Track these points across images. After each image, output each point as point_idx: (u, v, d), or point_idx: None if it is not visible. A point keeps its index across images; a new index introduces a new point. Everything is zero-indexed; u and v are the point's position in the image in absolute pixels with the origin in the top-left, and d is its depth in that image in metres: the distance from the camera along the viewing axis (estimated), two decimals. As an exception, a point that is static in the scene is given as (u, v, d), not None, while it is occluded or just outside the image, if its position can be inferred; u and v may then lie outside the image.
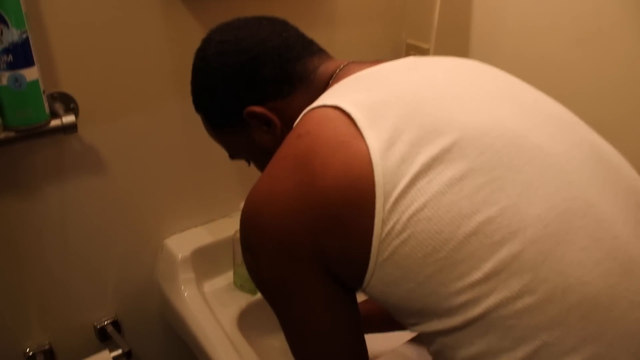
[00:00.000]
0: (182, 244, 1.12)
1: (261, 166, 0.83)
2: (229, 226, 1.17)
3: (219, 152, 1.09)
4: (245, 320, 1.09)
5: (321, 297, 0.64)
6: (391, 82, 0.64)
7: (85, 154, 0.96)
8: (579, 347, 0.52)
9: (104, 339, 1.12)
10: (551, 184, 0.56)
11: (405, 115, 0.58)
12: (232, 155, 0.85)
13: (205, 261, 1.12)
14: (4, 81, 0.79)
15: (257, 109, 0.73)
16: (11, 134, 0.83)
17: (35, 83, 0.82)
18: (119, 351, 1.08)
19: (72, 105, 0.92)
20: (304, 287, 0.62)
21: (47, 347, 1.06)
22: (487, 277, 0.53)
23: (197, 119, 1.00)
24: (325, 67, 0.73)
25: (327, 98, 0.63)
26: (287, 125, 0.72)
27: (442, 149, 0.56)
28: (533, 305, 0.52)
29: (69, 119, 0.87)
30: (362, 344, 0.68)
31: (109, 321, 1.12)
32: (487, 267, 0.53)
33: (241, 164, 1.13)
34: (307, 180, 0.58)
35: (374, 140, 0.57)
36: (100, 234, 1.03)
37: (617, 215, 0.57)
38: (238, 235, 1.03)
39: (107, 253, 1.06)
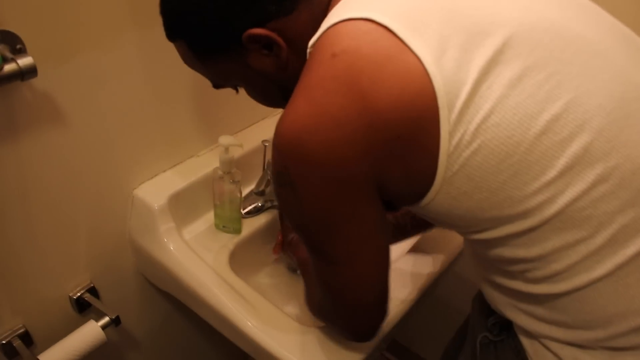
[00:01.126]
0: (154, 192, 1.01)
1: (259, 94, 0.76)
2: (198, 166, 1.09)
3: (181, 89, 0.99)
4: (234, 262, 1.03)
5: (369, 224, 0.62)
6: None
7: (39, 104, 0.82)
8: None
9: (83, 309, 1.01)
10: (602, 71, 0.56)
11: (445, 20, 0.55)
12: (218, 84, 0.77)
13: (181, 207, 1.03)
14: (-55, 20, 0.64)
15: (259, 31, 0.64)
16: (-41, 86, 0.68)
17: (-18, 20, 0.67)
18: (106, 319, 0.98)
19: (18, 47, 0.76)
20: (351, 216, 0.60)
21: (21, 330, 0.93)
22: (561, 174, 0.54)
23: (156, 54, 0.90)
24: None
25: (349, 10, 0.57)
26: (292, 46, 0.66)
27: (494, 51, 0.54)
28: (607, 192, 0.54)
29: (26, 61, 0.72)
30: (389, 265, 0.68)
31: (84, 289, 1.00)
32: (561, 163, 0.54)
33: (206, 99, 1.05)
34: (357, 103, 0.53)
35: (423, 50, 0.53)
36: (65, 194, 0.90)
37: None
38: (218, 174, 0.97)
39: (73, 214, 0.93)
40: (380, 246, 0.65)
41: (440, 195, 0.57)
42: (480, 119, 0.53)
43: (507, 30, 0.55)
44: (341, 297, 0.68)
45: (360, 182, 0.57)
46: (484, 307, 0.78)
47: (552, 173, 0.54)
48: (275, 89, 0.72)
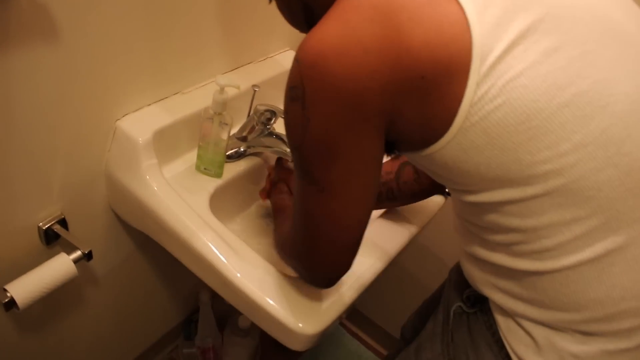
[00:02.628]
0: (139, 125, 0.96)
1: (286, 6, 0.73)
2: (184, 103, 1.04)
3: (175, 23, 0.94)
4: (215, 206, 1.00)
5: (367, 159, 0.61)
6: None
7: (35, 17, 0.74)
8: None
9: (50, 241, 0.95)
10: (634, 62, 0.58)
11: None
12: None
13: (164, 144, 0.99)
14: None
15: None
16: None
17: None
18: (78, 253, 0.93)
19: (21, -52, 0.69)
20: (353, 145, 0.59)
21: (-15, 257, 0.87)
22: (575, 148, 0.55)
23: None
24: None
25: None
26: None
27: (536, 18, 0.55)
28: (614, 177, 0.56)
29: (36, -34, 0.66)
30: (370, 212, 0.68)
31: (55, 220, 0.94)
32: (576, 138, 0.55)
33: (198, 36, 1.00)
34: (391, 35, 0.53)
35: (467, 1, 0.54)
36: (47, 116, 0.84)
37: None
38: (209, 113, 0.93)
39: (53, 138, 0.87)
40: (369, 186, 0.64)
41: (451, 144, 0.57)
42: (509, 77, 0.53)
43: (551, 3, 0.56)
44: (318, 230, 0.67)
45: (371, 114, 0.56)
46: (461, 280, 0.80)
47: (565, 146, 0.55)
48: (299, 6, 0.70)
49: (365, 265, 0.94)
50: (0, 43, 0.72)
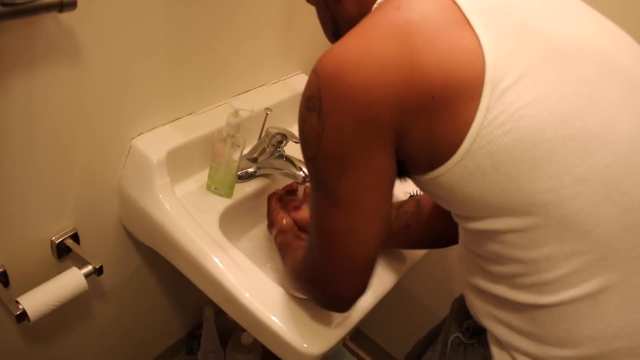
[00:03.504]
0: (153, 144, 0.99)
1: (319, 17, 0.78)
2: (197, 124, 1.07)
3: (193, 47, 0.97)
4: (224, 225, 1.02)
5: (379, 174, 0.63)
6: None
7: (61, 39, 0.77)
8: None
9: (62, 255, 0.98)
10: (638, 104, 0.60)
11: (512, 15, 0.59)
12: None
13: (177, 163, 1.01)
14: (-3, -64, 0.59)
15: None
16: (-2, 9, 0.63)
17: (33, -58, 0.62)
18: (89, 267, 0.95)
19: (52, -25, 0.72)
20: (365, 158, 0.61)
21: (0, 269, 0.89)
22: (576, 181, 0.56)
23: (179, 6, 0.88)
24: None
25: None
26: None
27: (547, 53, 0.57)
28: (612, 214, 0.58)
29: (67, -8, 0.69)
30: (385, 232, 0.68)
31: (67, 235, 0.97)
32: (578, 171, 0.56)
33: (214, 59, 1.03)
34: (406, 53, 0.56)
35: (483, 30, 0.56)
36: (66, 133, 0.86)
37: None
38: (222, 135, 0.96)
39: (71, 155, 0.89)
40: (382, 202, 0.65)
41: (458, 166, 0.59)
42: (519, 106, 0.55)
43: (564, 41, 0.59)
44: (332, 246, 0.67)
45: (383, 128, 0.58)
46: (462, 310, 0.81)
47: (567, 178, 0.56)
48: (329, 18, 0.75)
49: (372, 286, 0.95)
50: (26, 63, 0.75)
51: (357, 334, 1.89)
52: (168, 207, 0.97)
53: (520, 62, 0.56)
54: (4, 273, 0.90)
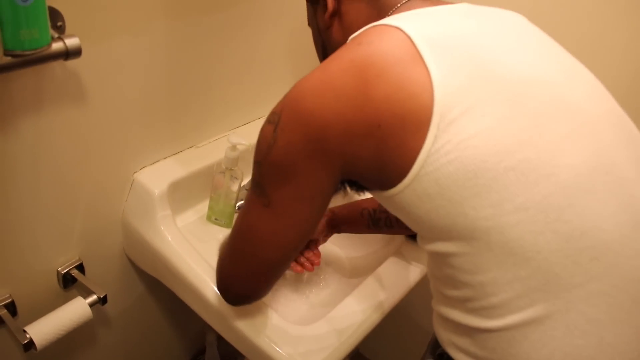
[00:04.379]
0: (155, 178, 1.03)
1: (314, 40, 0.86)
2: (197, 157, 1.11)
3: (192, 82, 1.02)
4: (224, 254, 1.06)
5: (315, 191, 0.67)
6: (450, 23, 0.67)
7: (67, 82, 0.83)
8: (585, 283, 0.61)
9: (67, 285, 1.01)
10: (585, 139, 0.63)
11: (466, 51, 0.63)
12: (309, 23, 0.87)
13: (177, 196, 1.06)
14: (8, -7, 0.64)
15: None
16: (7, 60, 0.68)
17: (42, -3, 0.67)
18: (94, 297, 0.99)
19: (59, 24, 0.77)
20: (307, 174, 0.65)
21: (8, 299, 0.93)
22: (516, 210, 0.59)
23: (177, 45, 0.95)
24: None
25: (391, 20, 0.66)
26: (340, 18, 0.77)
27: (496, 90, 0.61)
28: (553, 242, 0.60)
29: (73, 41, 0.74)
30: (301, 244, 0.74)
31: (73, 265, 1.01)
32: (519, 200, 0.59)
33: (213, 94, 1.07)
34: (359, 85, 0.61)
35: (434, 65, 0.60)
36: (71, 169, 0.91)
37: (634, 177, 0.65)
38: (221, 168, 1.00)
39: (76, 190, 0.94)
40: (310, 218, 0.70)
41: (408, 190, 0.62)
42: (464, 137, 0.59)
43: (512, 76, 0.62)
44: (248, 244, 0.73)
45: (330, 151, 0.63)
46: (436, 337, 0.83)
47: (508, 206, 0.59)
48: (320, 43, 0.84)
49: (369, 311, 0.99)
50: (34, 106, 0.80)
51: (356, 357, 1.91)
52: (170, 238, 1.01)
53: (469, 96, 0.59)
54: (12, 303, 0.94)
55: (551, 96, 0.63)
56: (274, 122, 0.66)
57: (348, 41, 0.68)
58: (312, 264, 1.06)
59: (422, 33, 0.62)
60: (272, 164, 0.66)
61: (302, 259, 1.07)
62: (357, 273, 1.20)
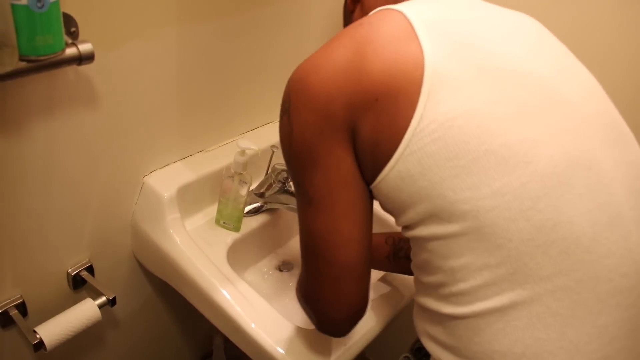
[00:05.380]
0: (164, 181, 1.04)
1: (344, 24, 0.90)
2: (207, 161, 1.12)
3: (202, 87, 1.03)
4: (232, 258, 1.07)
5: (345, 171, 0.67)
6: (452, 10, 0.69)
7: (80, 87, 0.84)
8: (552, 276, 0.61)
9: (77, 286, 1.03)
10: (569, 133, 0.63)
11: (460, 36, 0.65)
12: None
13: (186, 199, 1.07)
14: (24, 0, 0.65)
15: None
16: (22, 65, 0.69)
17: (56, 4, 0.68)
18: (103, 298, 1.00)
19: (72, 29, 0.78)
20: (329, 154, 0.66)
21: (19, 300, 0.94)
22: (493, 194, 0.60)
23: (189, 50, 0.97)
24: None
25: (397, 5, 0.69)
26: (363, 9, 0.81)
27: (485, 73, 0.62)
28: (525, 230, 0.60)
29: (86, 47, 0.75)
30: (371, 241, 0.71)
31: (83, 267, 1.02)
32: (496, 185, 0.60)
33: (223, 98, 1.09)
34: (357, 60, 0.63)
35: (428, 45, 0.62)
36: (83, 172, 0.92)
37: (617, 177, 0.65)
38: (230, 172, 1.01)
39: (87, 193, 0.95)
40: (353, 204, 0.68)
41: (392, 172, 0.63)
42: (450, 117, 0.60)
43: (503, 65, 0.64)
44: (314, 253, 0.70)
45: (340, 125, 0.64)
46: None
47: (485, 190, 0.60)
48: (346, 22, 0.88)
49: (375, 317, 0.99)
50: (47, 109, 0.82)
51: (362, 361, 1.91)
52: (178, 241, 1.02)
53: (457, 78, 0.61)
54: (23, 304, 0.95)
55: (541, 89, 0.64)
56: (285, 111, 0.68)
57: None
58: None
59: (422, 17, 0.65)
60: (296, 154, 0.68)
61: None
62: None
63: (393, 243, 1.03)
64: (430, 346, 0.72)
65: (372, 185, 0.67)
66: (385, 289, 1.07)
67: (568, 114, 0.64)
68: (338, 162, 0.66)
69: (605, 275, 0.62)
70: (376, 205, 0.72)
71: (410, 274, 0.99)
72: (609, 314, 0.62)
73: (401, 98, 0.61)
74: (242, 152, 1.02)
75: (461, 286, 0.63)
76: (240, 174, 1.04)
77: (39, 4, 0.66)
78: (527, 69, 0.65)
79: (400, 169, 0.62)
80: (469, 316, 0.64)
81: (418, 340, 0.81)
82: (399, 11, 0.66)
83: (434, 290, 0.68)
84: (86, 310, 0.97)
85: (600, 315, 0.62)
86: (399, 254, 1.03)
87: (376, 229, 0.79)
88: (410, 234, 0.68)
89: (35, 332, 0.91)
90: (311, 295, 0.75)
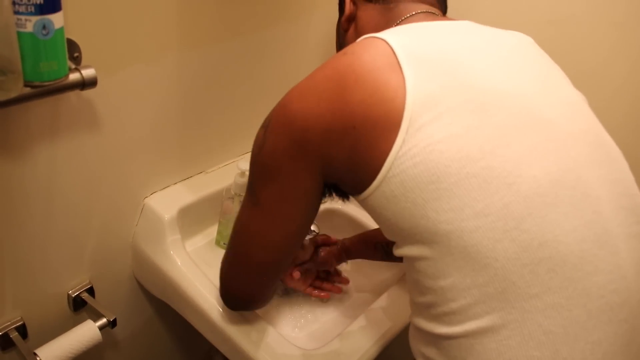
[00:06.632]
0: (165, 203, 1.05)
1: (336, 47, 0.96)
2: (206, 182, 1.13)
3: (202, 110, 1.05)
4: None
5: (299, 191, 0.72)
6: (436, 37, 0.71)
7: (82, 111, 0.85)
8: (542, 293, 0.61)
9: (78, 308, 1.03)
10: (552, 153, 0.65)
11: (442, 64, 0.66)
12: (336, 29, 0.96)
13: (187, 220, 1.07)
14: (29, 27, 0.67)
15: None
16: (27, 91, 0.71)
17: (61, 31, 0.70)
18: (103, 320, 1.00)
19: (76, 55, 0.79)
20: (290, 174, 0.70)
21: (19, 322, 0.95)
22: (476, 215, 0.61)
23: (189, 75, 0.98)
24: (405, 6, 0.81)
25: (381, 33, 0.70)
26: (356, 29, 0.86)
27: (467, 100, 0.64)
28: (510, 250, 0.61)
29: (89, 72, 0.76)
30: (296, 250, 0.81)
31: (83, 288, 1.02)
32: (479, 206, 0.61)
33: (222, 121, 1.10)
34: (338, 91, 0.65)
35: (410, 74, 0.64)
36: (85, 195, 0.93)
37: (602, 195, 0.66)
38: (230, 193, 1.02)
39: (88, 215, 0.96)
40: (295, 217, 0.74)
41: (377, 192, 0.65)
42: (431, 142, 0.61)
43: (487, 89, 0.65)
44: (240, 244, 0.79)
45: (312, 151, 0.67)
46: None
47: (468, 211, 0.60)
48: (338, 45, 0.94)
49: (374, 336, 0.99)
50: (50, 133, 0.83)
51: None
52: (179, 262, 1.02)
53: (439, 105, 0.62)
54: (23, 326, 0.95)
55: (522, 109, 0.66)
56: (265, 126, 0.72)
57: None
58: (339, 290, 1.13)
59: (405, 45, 0.66)
60: (260, 164, 0.72)
61: (329, 286, 1.11)
62: (362, 298, 1.20)
63: (382, 248, 1.05)
64: None
65: (359, 199, 0.70)
66: (382, 311, 1.07)
67: (551, 134, 0.66)
68: (297, 182, 0.71)
69: (596, 292, 0.62)
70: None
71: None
72: (601, 330, 0.62)
73: (380, 125, 0.63)
74: (242, 174, 1.03)
75: (452, 305, 0.64)
76: (240, 195, 1.05)
77: (44, 31, 0.68)
78: (507, 90, 0.66)
79: (384, 189, 0.64)
80: (461, 336, 0.64)
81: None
82: (383, 39, 0.67)
83: (427, 310, 0.68)
84: (86, 332, 0.97)
85: (593, 331, 0.62)
86: (392, 256, 1.03)
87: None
88: (399, 252, 0.70)
89: (35, 354, 0.91)
90: (222, 270, 0.84)
